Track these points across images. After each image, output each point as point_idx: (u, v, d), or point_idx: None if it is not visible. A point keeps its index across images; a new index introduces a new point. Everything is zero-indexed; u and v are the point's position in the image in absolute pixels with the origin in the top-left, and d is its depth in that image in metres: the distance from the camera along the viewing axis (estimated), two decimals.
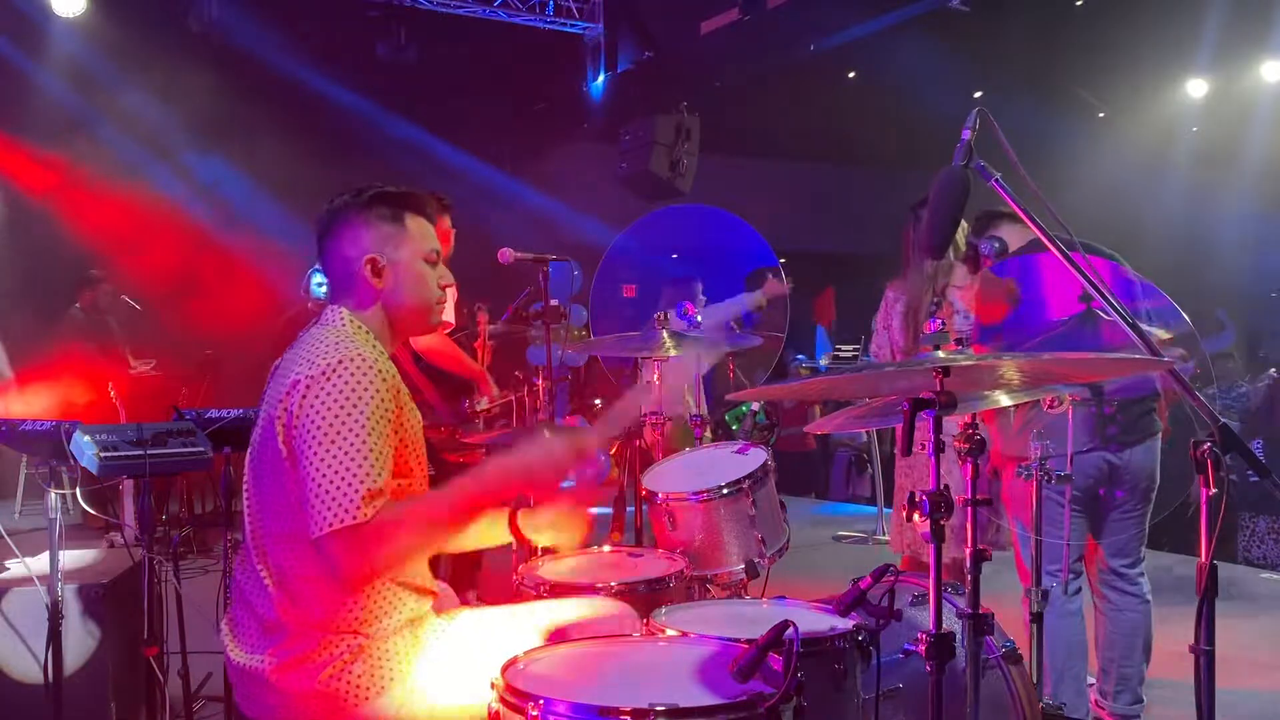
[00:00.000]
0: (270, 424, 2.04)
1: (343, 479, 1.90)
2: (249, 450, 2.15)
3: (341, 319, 2.16)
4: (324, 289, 4.68)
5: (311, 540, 1.91)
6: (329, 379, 1.98)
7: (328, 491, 1.89)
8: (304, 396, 1.98)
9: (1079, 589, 3.54)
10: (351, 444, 1.93)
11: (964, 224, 3.88)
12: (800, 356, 9.80)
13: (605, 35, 9.85)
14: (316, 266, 4.51)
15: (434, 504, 2.09)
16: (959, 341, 2.03)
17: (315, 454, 1.92)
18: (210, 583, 3.83)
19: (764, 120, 10.77)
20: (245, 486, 2.15)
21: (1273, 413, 7.84)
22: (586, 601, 2.43)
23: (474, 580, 4.35)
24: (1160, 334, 3.24)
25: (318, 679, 2.02)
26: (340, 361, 2.00)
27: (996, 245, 3.59)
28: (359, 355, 2.03)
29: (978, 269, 3.84)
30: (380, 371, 2.04)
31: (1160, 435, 3.49)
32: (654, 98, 10.28)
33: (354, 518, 1.88)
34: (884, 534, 7.17)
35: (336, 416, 1.95)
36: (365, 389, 1.98)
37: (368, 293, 2.19)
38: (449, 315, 4.21)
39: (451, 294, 4.09)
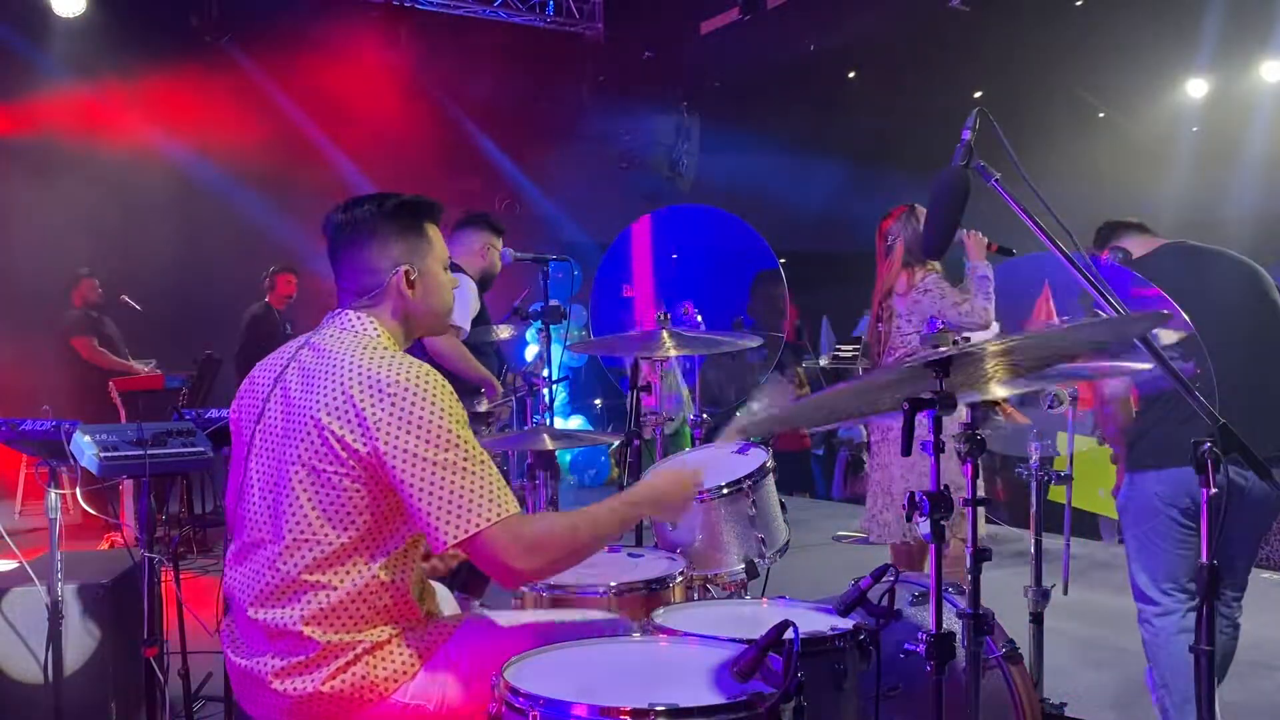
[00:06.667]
0: (319, 430, 1.99)
1: (484, 479, 1.95)
2: (259, 454, 2.11)
3: (375, 329, 2.14)
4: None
5: (458, 541, 1.92)
6: (427, 392, 1.97)
7: (474, 490, 1.94)
8: (400, 407, 1.96)
9: (1191, 609, 3.23)
10: (473, 450, 1.98)
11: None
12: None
13: (605, 35, 9.85)
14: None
15: (576, 516, 2.10)
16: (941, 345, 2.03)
17: (443, 460, 1.94)
18: (210, 583, 3.83)
19: (764, 120, 10.77)
20: (253, 491, 2.12)
21: None
22: (582, 614, 2.42)
23: (483, 589, 4.34)
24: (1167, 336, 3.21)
25: (319, 684, 2.01)
26: (427, 372, 2.01)
27: (1120, 255, 3.44)
28: (430, 370, 2.05)
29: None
30: None
31: None
32: (654, 98, 10.30)
33: (508, 510, 1.95)
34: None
35: (447, 426, 1.96)
36: (454, 402, 2.02)
37: (398, 302, 2.17)
38: (460, 320, 4.23)
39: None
